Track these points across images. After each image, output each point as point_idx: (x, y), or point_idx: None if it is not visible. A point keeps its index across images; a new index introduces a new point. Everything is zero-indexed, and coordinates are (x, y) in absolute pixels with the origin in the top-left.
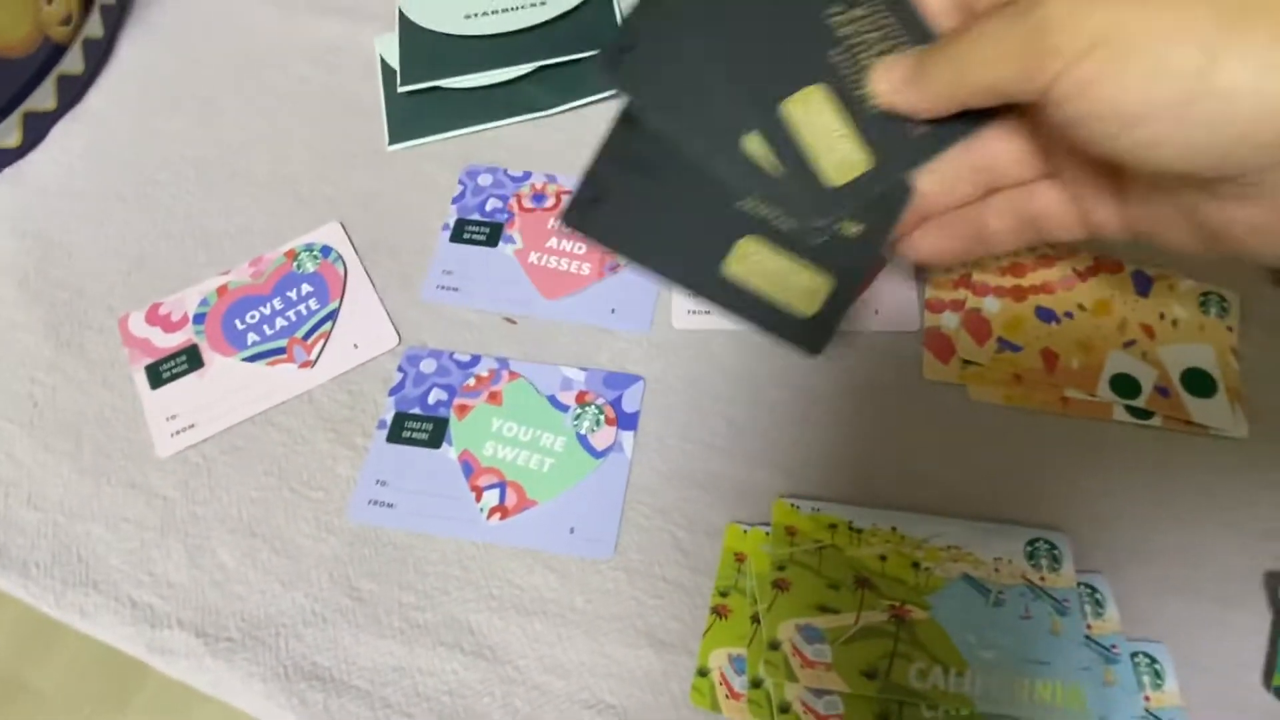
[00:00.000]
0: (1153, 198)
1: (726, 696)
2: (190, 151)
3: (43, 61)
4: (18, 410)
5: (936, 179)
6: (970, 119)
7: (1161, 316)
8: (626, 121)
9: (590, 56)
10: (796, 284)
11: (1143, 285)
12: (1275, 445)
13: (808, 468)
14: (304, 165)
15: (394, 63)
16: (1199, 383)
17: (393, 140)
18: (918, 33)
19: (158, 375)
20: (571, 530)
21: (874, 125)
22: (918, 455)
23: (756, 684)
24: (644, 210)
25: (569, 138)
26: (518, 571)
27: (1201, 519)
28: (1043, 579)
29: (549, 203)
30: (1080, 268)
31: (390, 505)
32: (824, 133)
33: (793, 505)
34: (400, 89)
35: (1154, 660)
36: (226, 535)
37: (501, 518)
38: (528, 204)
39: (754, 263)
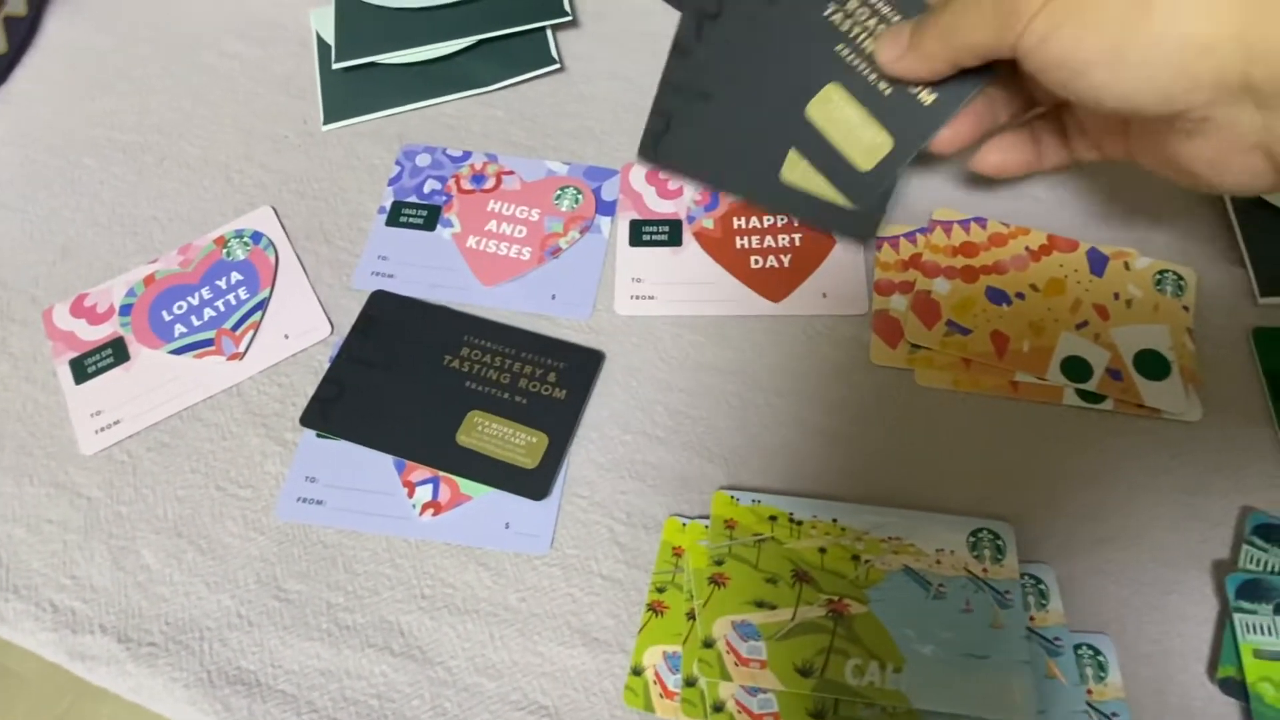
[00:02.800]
0: (1129, 132)
1: (660, 695)
2: (119, 135)
3: None
4: None
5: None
6: (970, 80)
7: (1116, 296)
8: (680, 52)
9: (531, 29)
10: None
11: (1098, 264)
12: (1229, 428)
13: (750, 457)
14: (236, 147)
15: (329, 38)
16: (1152, 365)
17: (328, 119)
18: (911, 7)
19: (82, 370)
20: (506, 525)
21: (888, 105)
22: (862, 443)
23: (690, 683)
24: (707, 133)
25: (509, 114)
26: (450, 569)
27: (1150, 505)
28: (985, 570)
29: (489, 184)
30: (1034, 246)
31: (320, 502)
32: (846, 126)
33: (732, 497)
34: (335, 65)
35: (1098, 652)
36: (151, 536)
37: (434, 514)
38: (467, 185)
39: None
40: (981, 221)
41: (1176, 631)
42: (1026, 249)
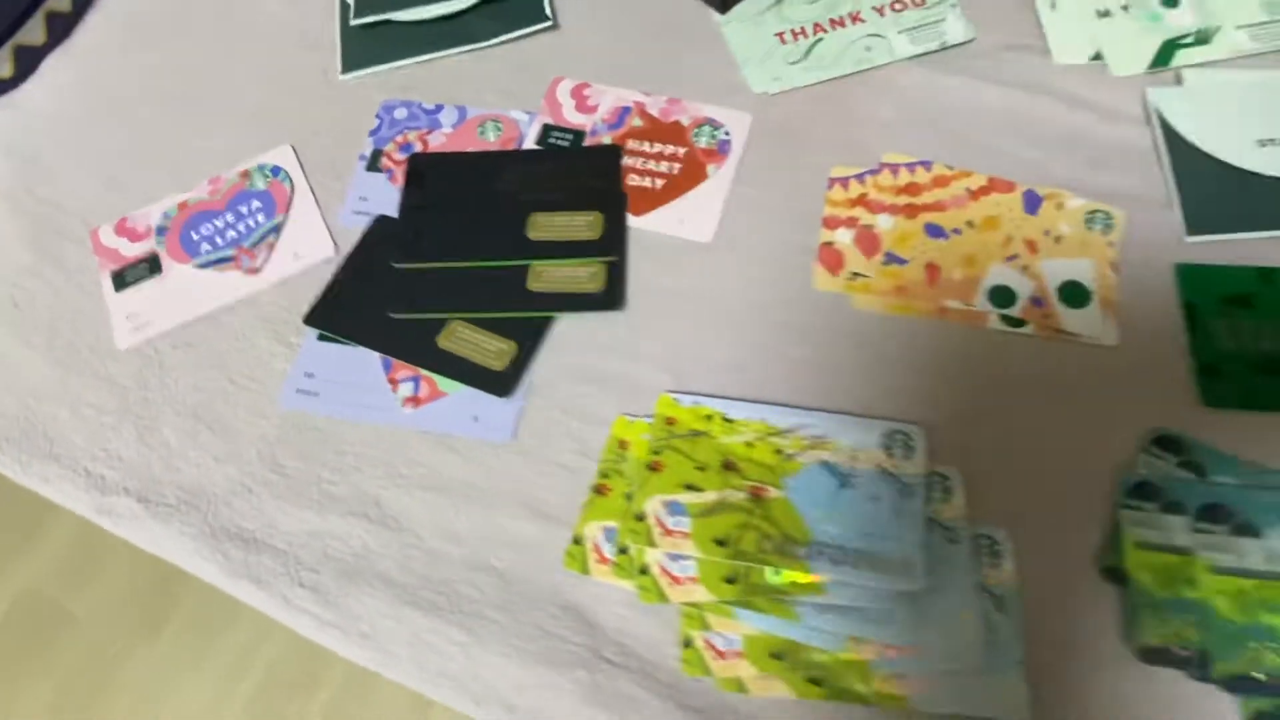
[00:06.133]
0: None
1: (597, 561)
2: (164, 83)
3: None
4: (1, 310)
5: None
6: None
7: (1046, 233)
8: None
9: None
10: (490, 348)
11: (1032, 204)
12: (1142, 354)
13: (697, 367)
14: (263, 94)
15: None
16: (1074, 295)
17: (345, 70)
18: None
19: (122, 280)
20: (475, 418)
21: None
22: (799, 358)
23: (623, 550)
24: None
25: (505, 66)
26: (424, 453)
27: (1061, 418)
28: (896, 466)
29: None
30: (974, 187)
31: (316, 394)
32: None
33: (675, 399)
34: (353, 22)
35: (995, 543)
36: (173, 418)
37: (414, 406)
38: (436, 139)
39: (459, 337)
40: (927, 164)
41: (1072, 527)
42: (967, 190)
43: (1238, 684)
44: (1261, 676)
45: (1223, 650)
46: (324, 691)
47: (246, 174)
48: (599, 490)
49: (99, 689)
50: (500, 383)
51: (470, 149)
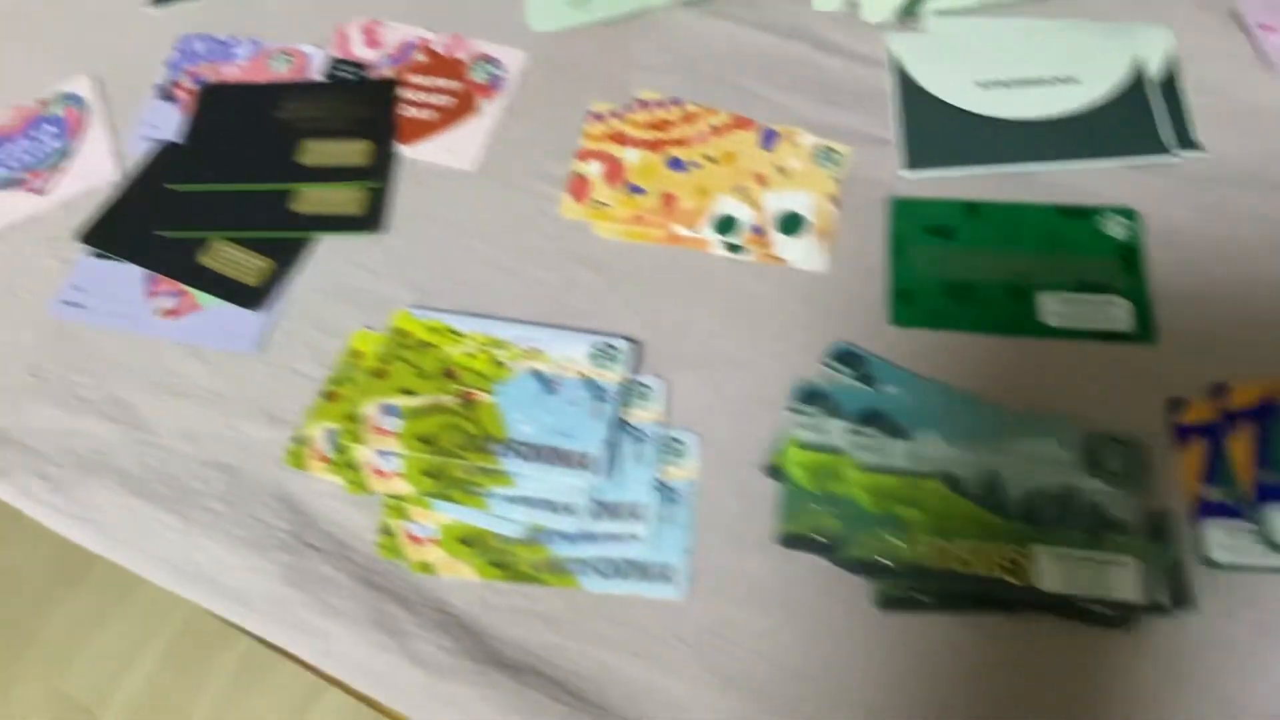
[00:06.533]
0: None
1: (316, 459)
2: None
3: None
4: None
5: None
6: None
7: (777, 167)
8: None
9: None
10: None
11: (769, 140)
12: (847, 280)
13: (443, 286)
14: (71, 24)
15: None
16: (791, 224)
17: (156, 2)
18: None
19: None
20: (225, 331)
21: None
22: (536, 278)
23: (340, 449)
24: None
25: (306, 3)
26: (175, 361)
27: (764, 336)
28: (599, 375)
29: (246, 64)
30: (718, 124)
31: (82, 306)
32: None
33: (411, 313)
34: None
35: (681, 444)
36: None
37: (172, 318)
38: (229, 70)
39: (220, 255)
40: (679, 102)
41: (752, 433)
42: (711, 126)
43: (866, 568)
44: (888, 562)
45: (855, 538)
46: (242, 642)
47: (45, 102)
48: (328, 396)
49: (17, 642)
50: (252, 297)
51: (261, 80)
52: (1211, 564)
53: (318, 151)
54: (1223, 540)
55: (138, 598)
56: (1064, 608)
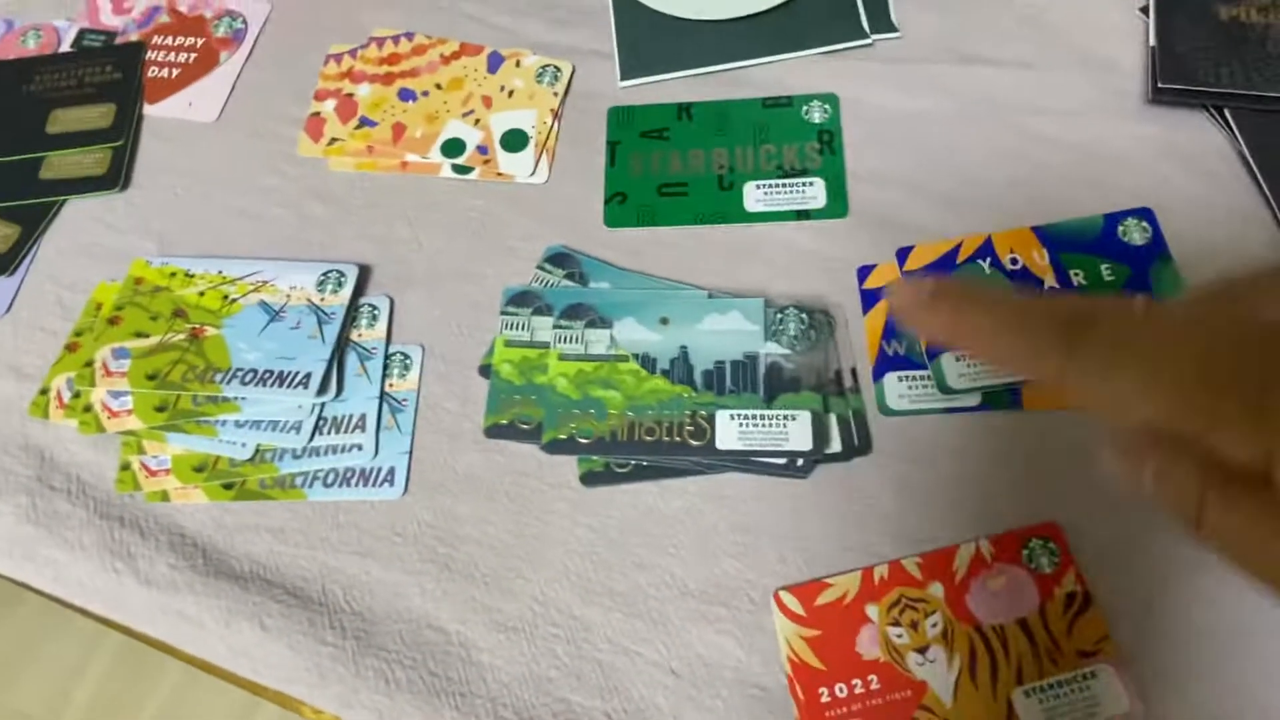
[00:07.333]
0: None
1: (56, 407)
2: None
3: None
4: None
5: None
6: None
7: (502, 89)
8: None
9: None
10: None
11: (495, 64)
12: (566, 189)
13: (184, 235)
14: None
15: None
16: (514, 141)
17: None
18: None
19: None
20: None
21: None
22: (273, 217)
23: (76, 394)
24: None
25: None
26: None
27: (485, 250)
28: (324, 300)
29: None
30: (447, 53)
31: None
32: None
33: (147, 261)
34: None
35: (407, 358)
36: None
37: None
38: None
39: None
40: (410, 35)
41: (473, 340)
42: (440, 55)
43: (564, 447)
44: (583, 440)
45: (554, 422)
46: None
47: None
48: (70, 348)
49: None
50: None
51: (11, 57)
52: (889, 411)
53: (64, 119)
54: (898, 389)
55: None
56: (746, 463)
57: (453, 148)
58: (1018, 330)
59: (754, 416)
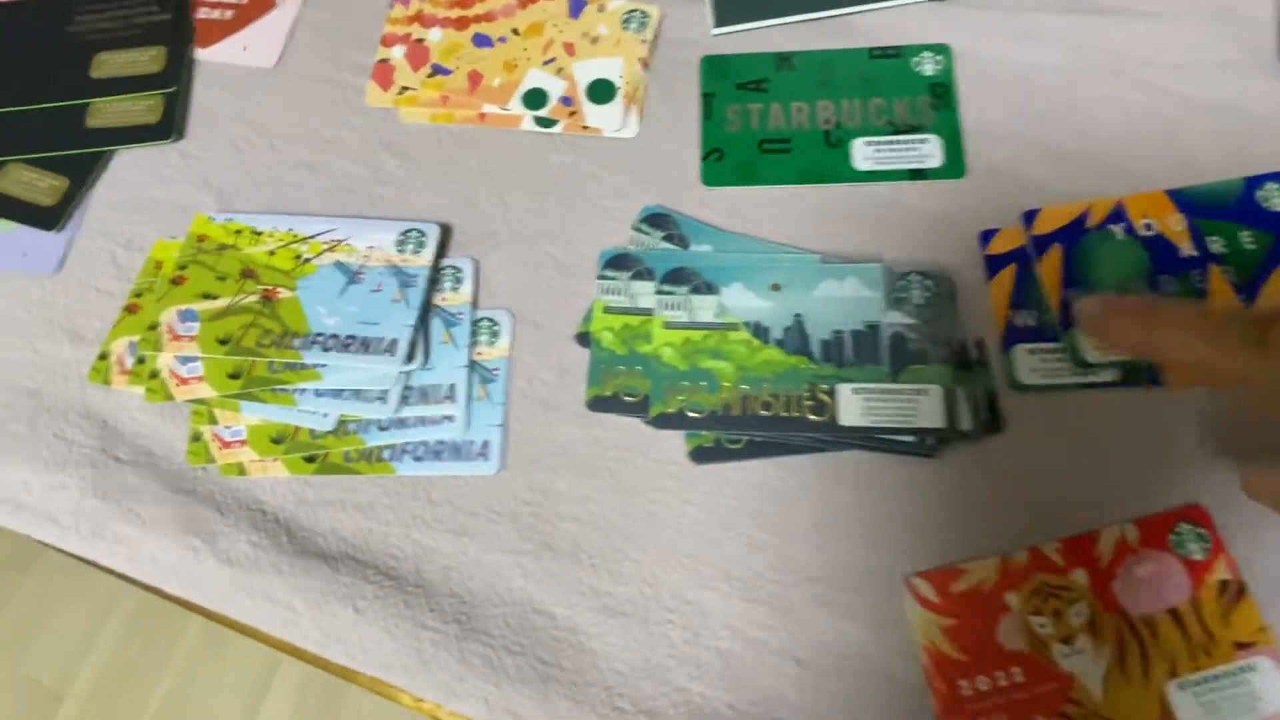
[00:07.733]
0: None
1: (119, 372)
2: None
3: None
4: None
5: None
6: None
7: (585, 35)
8: None
9: None
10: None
11: (576, 8)
12: (659, 144)
13: (245, 187)
14: None
15: None
16: (601, 92)
17: None
18: None
19: None
20: (24, 254)
21: None
22: (342, 170)
23: (140, 360)
24: None
25: None
26: None
27: (576, 208)
28: (405, 261)
29: None
30: None
31: None
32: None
33: (210, 217)
34: None
35: (494, 323)
36: None
37: None
38: None
39: (13, 179)
40: None
41: (565, 305)
42: None
43: (673, 421)
44: (694, 414)
45: (661, 394)
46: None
47: None
48: (130, 309)
49: None
50: (48, 217)
51: None
52: (1019, 386)
53: (110, 63)
54: (1029, 363)
55: (94, 577)
56: (870, 441)
57: (535, 99)
58: (1208, 340)
59: (880, 391)
